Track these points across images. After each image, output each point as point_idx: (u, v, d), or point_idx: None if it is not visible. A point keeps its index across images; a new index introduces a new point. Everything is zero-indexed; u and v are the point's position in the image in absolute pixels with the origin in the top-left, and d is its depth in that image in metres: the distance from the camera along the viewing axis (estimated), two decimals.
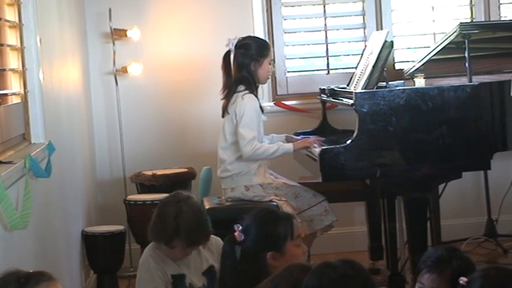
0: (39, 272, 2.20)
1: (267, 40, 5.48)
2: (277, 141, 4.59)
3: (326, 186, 4.44)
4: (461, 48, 4.39)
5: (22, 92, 3.51)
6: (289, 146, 4.46)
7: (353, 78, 4.72)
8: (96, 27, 5.59)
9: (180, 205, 3.38)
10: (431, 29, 5.79)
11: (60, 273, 3.95)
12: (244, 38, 4.54)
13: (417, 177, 4.17)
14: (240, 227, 2.83)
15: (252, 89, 4.46)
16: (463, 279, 2.28)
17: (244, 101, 4.40)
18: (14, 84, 3.48)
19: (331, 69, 5.81)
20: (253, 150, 4.34)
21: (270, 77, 4.68)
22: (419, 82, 5.03)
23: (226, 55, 4.52)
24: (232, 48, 4.49)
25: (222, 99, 4.51)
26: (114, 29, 5.49)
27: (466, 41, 4.30)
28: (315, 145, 4.43)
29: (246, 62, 4.47)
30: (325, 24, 5.75)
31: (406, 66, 5.24)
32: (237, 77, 4.46)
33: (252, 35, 4.92)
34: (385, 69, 4.45)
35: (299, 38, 5.87)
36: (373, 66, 4.41)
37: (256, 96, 4.49)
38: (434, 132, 4.15)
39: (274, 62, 5.60)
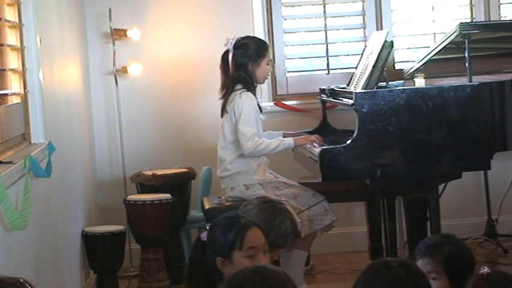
0: (23, 279, 2.10)
1: (267, 40, 5.49)
2: (275, 137, 4.59)
3: (326, 186, 4.44)
4: (461, 48, 4.39)
5: (22, 92, 3.51)
6: (290, 141, 4.47)
7: (353, 78, 4.72)
8: (96, 27, 5.59)
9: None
10: (431, 29, 5.79)
11: (60, 273, 3.95)
12: (242, 38, 4.55)
13: (417, 177, 4.17)
14: (208, 228, 2.81)
15: (250, 88, 4.48)
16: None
17: (242, 99, 4.41)
18: (14, 84, 3.48)
19: (331, 69, 5.81)
20: (254, 146, 4.35)
21: (268, 77, 4.68)
22: (419, 82, 5.04)
23: (225, 55, 4.53)
24: (231, 48, 4.50)
25: (220, 98, 4.52)
26: (114, 29, 5.49)
27: (466, 41, 4.29)
28: (315, 144, 4.43)
29: (244, 62, 4.48)
30: (325, 24, 5.75)
31: (406, 66, 5.24)
32: (235, 76, 4.48)
33: (251, 35, 4.92)
34: (385, 69, 4.45)
35: (299, 38, 5.87)
36: (373, 66, 4.41)
37: (254, 94, 4.50)
38: (434, 132, 4.15)
39: (273, 63, 5.61)
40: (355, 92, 4.17)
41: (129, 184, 5.44)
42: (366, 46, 4.93)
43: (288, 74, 5.80)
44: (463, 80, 4.50)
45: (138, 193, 5.25)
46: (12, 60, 3.48)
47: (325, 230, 4.51)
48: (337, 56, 5.89)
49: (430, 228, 4.40)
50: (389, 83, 4.59)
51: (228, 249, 2.71)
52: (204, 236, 2.78)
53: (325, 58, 5.78)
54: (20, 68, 3.50)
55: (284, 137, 4.63)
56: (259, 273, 2.17)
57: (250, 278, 2.16)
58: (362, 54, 4.80)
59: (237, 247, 2.71)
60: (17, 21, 3.48)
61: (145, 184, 5.21)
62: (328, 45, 5.76)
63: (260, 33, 5.57)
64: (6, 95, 3.34)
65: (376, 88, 4.38)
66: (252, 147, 4.36)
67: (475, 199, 5.78)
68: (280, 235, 3.07)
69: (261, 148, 4.38)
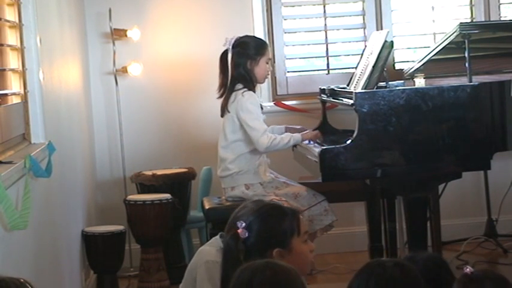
0: (23, 279, 2.08)
1: (267, 40, 5.49)
2: (278, 132, 4.60)
3: (326, 186, 4.44)
4: (461, 48, 4.39)
5: (22, 92, 3.51)
6: (299, 137, 4.50)
7: (353, 78, 4.72)
8: (96, 27, 5.60)
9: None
10: (431, 29, 5.79)
11: (60, 273, 3.95)
12: (241, 37, 4.55)
13: (417, 177, 4.16)
14: (244, 224, 2.71)
15: (250, 87, 4.47)
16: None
17: (245, 98, 4.41)
18: (14, 84, 3.48)
19: (331, 69, 5.81)
20: (270, 141, 4.36)
21: (268, 77, 4.68)
22: (419, 82, 5.03)
23: (224, 54, 4.53)
24: (230, 47, 4.50)
25: (218, 97, 4.52)
26: (114, 29, 5.49)
27: (466, 41, 4.29)
28: (312, 143, 4.46)
29: (243, 61, 4.48)
30: (325, 24, 5.75)
31: (406, 66, 5.24)
32: (235, 75, 4.47)
33: (249, 34, 4.92)
34: (385, 69, 4.45)
35: (299, 38, 5.87)
36: (373, 66, 4.41)
37: (255, 93, 4.50)
38: (434, 133, 4.15)
39: (273, 62, 5.61)
40: (355, 92, 4.17)
41: (129, 184, 5.45)
42: (366, 46, 4.93)
43: (288, 74, 5.80)
44: (463, 80, 4.49)
45: (138, 193, 5.25)
46: (12, 60, 3.47)
47: (325, 230, 4.51)
48: (337, 56, 5.90)
49: (430, 228, 4.41)
50: (389, 83, 4.59)
51: (289, 238, 2.71)
52: (244, 232, 2.70)
53: (325, 58, 5.78)
54: (20, 68, 3.50)
55: (286, 131, 4.64)
56: (270, 267, 2.14)
57: (260, 272, 2.13)
58: (362, 54, 4.80)
59: (295, 233, 2.73)
60: (17, 21, 3.48)
61: (145, 184, 5.21)
62: (328, 45, 5.76)
63: (260, 33, 5.57)
64: (6, 95, 3.34)
65: (376, 88, 4.38)
66: (267, 142, 4.36)
67: (475, 199, 5.78)
68: None
69: (276, 143, 4.39)
